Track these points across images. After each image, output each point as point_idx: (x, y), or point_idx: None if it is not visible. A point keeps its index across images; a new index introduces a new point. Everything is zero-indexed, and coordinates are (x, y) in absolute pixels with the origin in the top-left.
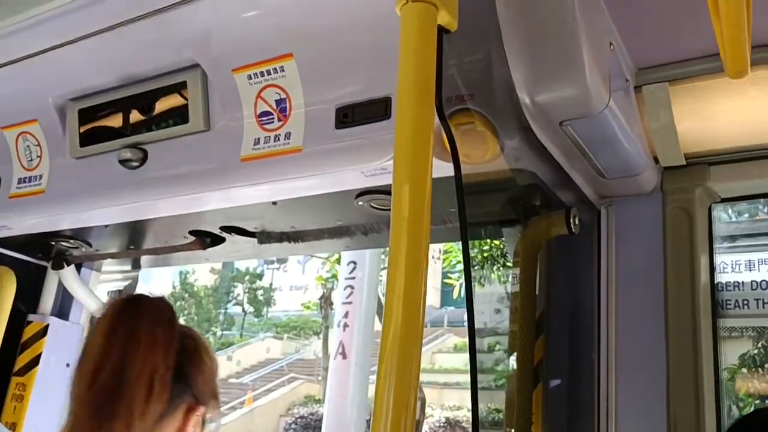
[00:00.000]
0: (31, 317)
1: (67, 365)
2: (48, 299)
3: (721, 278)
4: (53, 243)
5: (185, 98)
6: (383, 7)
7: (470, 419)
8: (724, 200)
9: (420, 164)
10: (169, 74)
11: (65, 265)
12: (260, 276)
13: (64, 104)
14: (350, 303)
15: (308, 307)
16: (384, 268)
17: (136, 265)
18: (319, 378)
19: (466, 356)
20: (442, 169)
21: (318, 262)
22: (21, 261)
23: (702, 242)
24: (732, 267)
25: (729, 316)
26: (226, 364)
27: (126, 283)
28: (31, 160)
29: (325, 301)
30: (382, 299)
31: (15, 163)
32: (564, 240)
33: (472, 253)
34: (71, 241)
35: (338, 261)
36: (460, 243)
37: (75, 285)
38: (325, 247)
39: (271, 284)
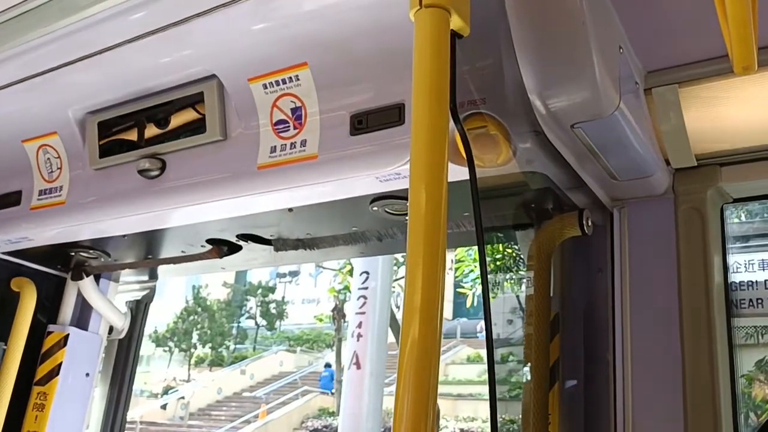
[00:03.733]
0: (51, 327)
1: (87, 375)
2: (68, 309)
3: (735, 278)
4: (72, 254)
5: (202, 108)
6: (395, 15)
7: (483, 431)
8: (736, 201)
9: (436, 166)
10: (186, 85)
11: (84, 276)
12: (272, 289)
13: (84, 117)
14: (364, 313)
15: (321, 320)
16: (396, 279)
17: (153, 275)
18: (332, 391)
19: (479, 367)
20: (455, 173)
21: (330, 274)
22: (41, 272)
23: (715, 242)
24: (745, 267)
25: (743, 315)
26: (239, 378)
27: (144, 293)
28: (52, 172)
29: (338, 313)
30: (395, 311)
31: (36, 175)
32: (577, 242)
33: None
34: (90, 251)
35: (350, 272)
36: (474, 247)
37: (94, 295)
38: (340, 253)
39: (283, 297)
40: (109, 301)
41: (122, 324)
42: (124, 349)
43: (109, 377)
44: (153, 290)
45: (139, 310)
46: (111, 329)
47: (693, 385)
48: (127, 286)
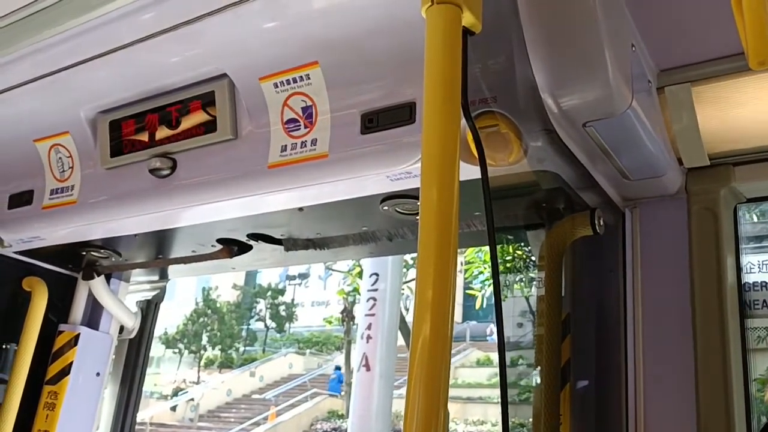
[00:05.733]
0: (62, 327)
1: (98, 374)
2: (79, 309)
3: (748, 278)
4: (84, 253)
5: (213, 107)
6: (407, 13)
7: None
8: (749, 200)
9: (447, 165)
10: (197, 85)
11: (95, 276)
12: (282, 292)
13: (95, 116)
14: (373, 315)
15: (330, 322)
16: (406, 282)
17: (164, 275)
18: (342, 393)
19: (489, 371)
20: (467, 171)
21: (339, 276)
22: (52, 272)
23: (728, 243)
24: (759, 267)
25: (757, 316)
26: (249, 380)
27: (154, 293)
28: (63, 171)
29: (347, 315)
30: (405, 313)
31: (48, 174)
32: (589, 242)
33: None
34: (101, 251)
35: (359, 275)
36: (484, 247)
37: (105, 295)
38: (350, 253)
39: (293, 300)
40: (120, 301)
41: (132, 324)
42: (134, 349)
43: (119, 377)
44: (163, 290)
45: (149, 310)
46: (121, 329)
47: (706, 387)
48: (138, 286)
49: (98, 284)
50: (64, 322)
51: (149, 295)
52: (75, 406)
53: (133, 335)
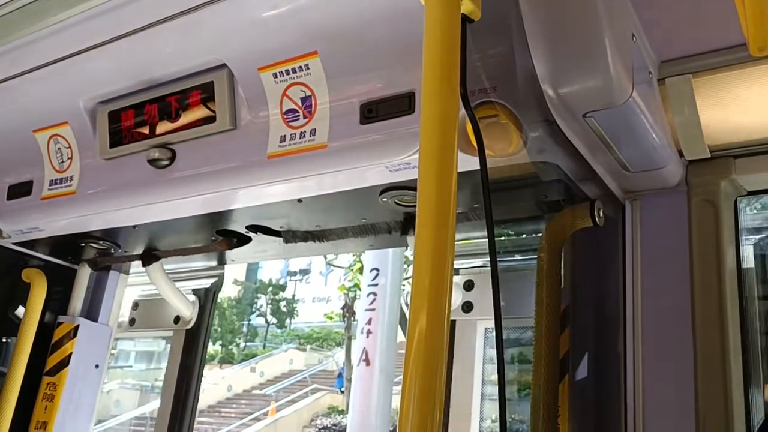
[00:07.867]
0: (61, 318)
1: (96, 366)
2: (78, 301)
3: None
4: (83, 245)
5: (212, 98)
6: (406, 2)
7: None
8: (750, 193)
9: (445, 155)
10: (196, 75)
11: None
12: (283, 287)
13: (94, 107)
14: (373, 310)
15: (330, 318)
16: (407, 278)
17: (222, 261)
18: (342, 389)
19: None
20: (465, 162)
21: (340, 272)
22: (51, 263)
23: (728, 235)
24: None
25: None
26: (249, 376)
27: (212, 280)
28: (62, 162)
29: (348, 311)
30: (405, 309)
31: (47, 165)
32: (589, 234)
33: None
34: (101, 242)
35: (360, 271)
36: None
37: (163, 284)
38: (349, 246)
39: (293, 295)
40: (178, 289)
41: (190, 314)
42: (192, 339)
43: (177, 368)
44: (221, 277)
45: (207, 298)
46: (177, 319)
47: (705, 378)
48: (196, 273)
49: (156, 271)
50: (63, 314)
51: (207, 282)
52: (74, 397)
53: (190, 326)
